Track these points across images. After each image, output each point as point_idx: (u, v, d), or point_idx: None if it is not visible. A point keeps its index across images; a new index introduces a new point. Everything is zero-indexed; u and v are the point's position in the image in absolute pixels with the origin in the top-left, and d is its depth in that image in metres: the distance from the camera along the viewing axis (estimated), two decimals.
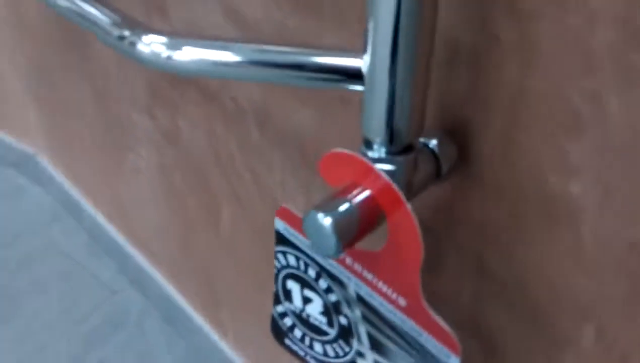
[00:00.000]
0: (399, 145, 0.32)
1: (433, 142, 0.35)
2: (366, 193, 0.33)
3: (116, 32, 0.35)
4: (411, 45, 0.29)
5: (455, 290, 0.43)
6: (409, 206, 0.31)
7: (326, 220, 0.32)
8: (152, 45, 0.33)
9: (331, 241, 0.32)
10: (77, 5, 0.37)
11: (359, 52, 0.30)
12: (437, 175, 0.36)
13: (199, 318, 0.93)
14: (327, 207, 0.32)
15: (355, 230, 0.33)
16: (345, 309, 0.41)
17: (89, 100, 0.88)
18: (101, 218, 1.13)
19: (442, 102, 0.36)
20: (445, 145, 0.35)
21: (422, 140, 0.35)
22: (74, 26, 0.70)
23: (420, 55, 0.30)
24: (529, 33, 0.30)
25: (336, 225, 0.32)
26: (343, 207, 0.32)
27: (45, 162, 1.28)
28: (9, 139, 1.35)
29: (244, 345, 0.84)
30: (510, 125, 0.34)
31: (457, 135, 0.36)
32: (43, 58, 0.99)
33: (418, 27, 0.29)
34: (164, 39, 0.33)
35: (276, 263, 0.45)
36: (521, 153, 0.34)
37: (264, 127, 0.54)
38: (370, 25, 0.29)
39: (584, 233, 0.33)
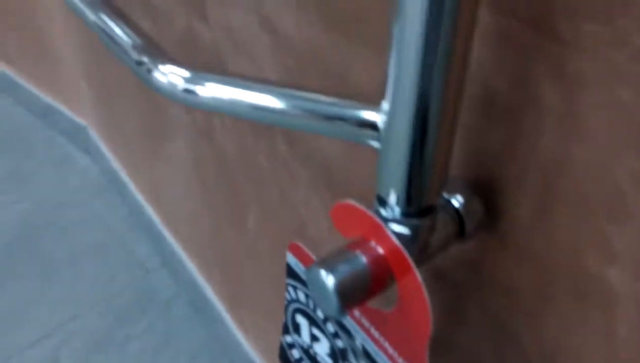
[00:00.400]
0: (416, 208, 0.29)
1: (457, 199, 0.32)
2: (375, 252, 0.30)
3: (135, 56, 0.33)
4: (437, 98, 0.26)
5: (476, 349, 0.40)
6: (419, 276, 0.28)
7: (329, 279, 0.29)
8: (169, 75, 0.31)
9: (333, 302, 0.29)
10: (103, 21, 0.35)
11: (378, 102, 0.27)
12: (460, 234, 0.32)
13: (222, 310, 0.93)
14: (332, 263, 0.30)
15: (360, 291, 0.30)
16: (352, 358, 0.38)
17: (134, 85, 0.88)
18: (140, 197, 1.15)
19: (471, 154, 0.32)
20: (471, 204, 0.32)
21: (445, 195, 0.32)
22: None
23: (446, 111, 0.26)
24: (575, 100, 0.26)
25: (339, 285, 0.29)
26: (349, 266, 0.30)
27: (95, 135, 1.31)
28: (64, 109, 1.39)
29: (262, 344, 0.84)
30: (546, 192, 0.30)
31: (486, 190, 0.33)
32: (96, 37, 1.00)
33: (446, 81, 0.25)
34: (181, 71, 0.31)
35: (286, 295, 0.43)
36: (557, 224, 0.30)
37: (292, 144, 0.51)
38: (391, 73, 0.26)
39: (619, 323, 0.30)
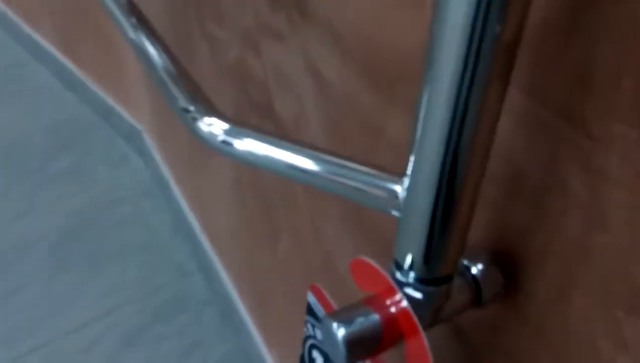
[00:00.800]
0: (430, 276, 0.29)
1: (477, 267, 0.33)
2: (388, 312, 0.31)
3: (183, 103, 0.35)
4: (459, 176, 0.27)
5: None
6: (426, 342, 0.29)
7: (340, 332, 0.31)
8: (211, 126, 0.33)
9: (341, 353, 0.31)
10: (161, 65, 0.38)
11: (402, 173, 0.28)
12: (477, 301, 0.33)
13: (250, 324, 0.96)
14: (344, 317, 0.31)
15: (369, 347, 0.31)
16: None
17: None
18: (184, 204, 1.19)
19: (495, 227, 0.33)
20: (490, 274, 0.32)
21: (466, 262, 0.33)
22: (184, 24, 0.73)
23: (466, 189, 0.27)
24: (600, 193, 0.27)
25: (348, 338, 0.30)
26: (360, 321, 0.31)
27: (149, 140, 1.36)
28: (124, 112, 1.46)
29: None
30: (566, 274, 0.30)
31: (506, 263, 0.33)
32: None
33: (468, 158, 0.26)
34: (222, 124, 0.33)
35: (305, 330, 0.45)
36: (573, 307, 0.30)
37: None
38: (414, 145, 0.27)
39: None
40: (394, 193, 0.28)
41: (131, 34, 0.48)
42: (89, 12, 1.38)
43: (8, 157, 1.45)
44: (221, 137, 0.33)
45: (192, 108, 0.34)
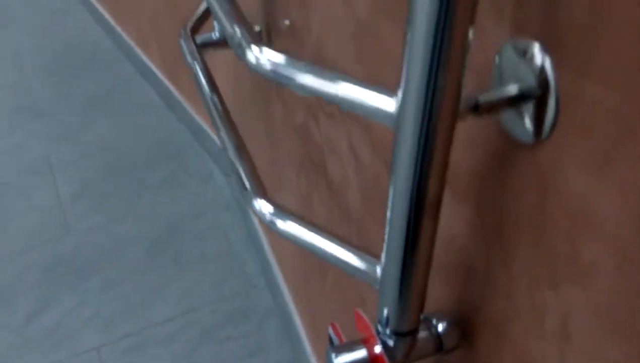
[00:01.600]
0: (400, 330, 0.42)
1: (441, 324, 0.45)
2: (372, 351, 0.44)
3: (240, 184, 0.50)
4: (415, 276, 0.39)
5: None
6: None
7: (336, 361, 0.44)
8: (262, 209, 0.48)
9: None
10: (233, 151, 0.53)
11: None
12: (439, 350, 0.45)
13: (304, 338, 1.10)
14: (342, 350, 0.44)
15: None
16: None
17: (264, 123, 1.09)
18: (257, 224, 1.36)
19: (454, 298, 0.45)
20: (450, 330, 0.44)
21: (433, 319, 0.45)
22: (265, 82, 0.89)
23: (419, 276, 0.40)
24: (520, 295, 0.38)
25: None
26: (352, 355, 0.44)
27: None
28: (213, 134, 1.66)
29: None
30: (502, 335, 0.41)
31: (463, 321, 0.45)
32: (244, 77, 1.23)
33: (421, 261, 0.39)
34: (269, 207, 0.48)
35: (326, 359, 0.58)
36: (512, 356, 0.42)
37: (364, 202, 0.66)
38: (385, 241, 0.39)
39: None
40: (374, 270, 0.41)
41: (213, 112, 0.64)
42: None
43: (116, 166, 1.70)
44: (268, 217, 0.47)
45: (248, 185, 0.49)
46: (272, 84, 0.90)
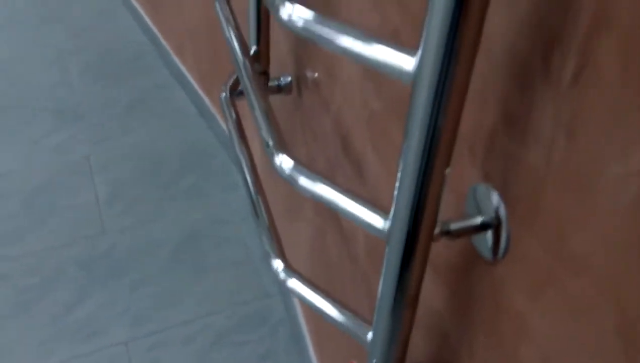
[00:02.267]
0: None
1: None
2: None
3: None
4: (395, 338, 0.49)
5: None
6: None
7: None
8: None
9: None
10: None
11: None
12: None
13: (311, 349, 1.21)
14: None
15: None
16: None
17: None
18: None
19: (434, 352, 0.55)
20: None
21: None
22: (291, 121, 1.00)
23: (402, 344, 0.50)
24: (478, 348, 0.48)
25: None
26: None
27: None
28: None
29: None
30: None
31: None
32: None
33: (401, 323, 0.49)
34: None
35: None
36: None
37: (370, 254, 0.76)
38: (377, 306, 0.50)
39: None
40: (365, 334, 0.51)
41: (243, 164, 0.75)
42: (222, 60, 1.71)
43: (149, 170, 1.82)
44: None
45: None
46: (298, 125, 1.01)
